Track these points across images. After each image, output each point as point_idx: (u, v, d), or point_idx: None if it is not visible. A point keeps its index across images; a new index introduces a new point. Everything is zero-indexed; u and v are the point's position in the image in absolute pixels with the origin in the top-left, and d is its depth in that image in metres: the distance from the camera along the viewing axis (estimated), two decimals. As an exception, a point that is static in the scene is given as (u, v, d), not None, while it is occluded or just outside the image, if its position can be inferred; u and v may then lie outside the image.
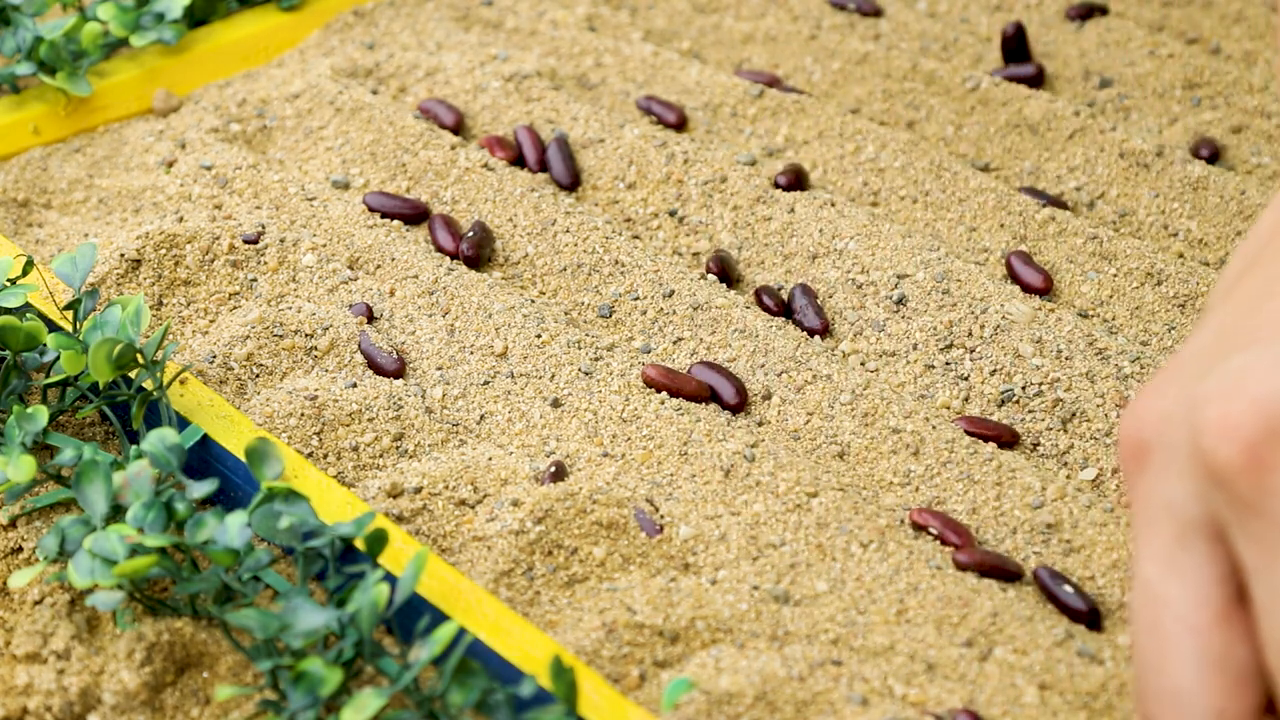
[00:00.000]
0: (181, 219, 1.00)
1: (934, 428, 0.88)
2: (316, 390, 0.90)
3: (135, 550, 0.78)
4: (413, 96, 1.11)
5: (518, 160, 1.07)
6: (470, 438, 0.90)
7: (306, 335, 0.94)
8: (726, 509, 0.85)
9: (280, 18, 1.17)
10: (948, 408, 0.91)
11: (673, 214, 1.03)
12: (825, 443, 0.89)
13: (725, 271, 0.99)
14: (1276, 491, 0.59)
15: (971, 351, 0.93)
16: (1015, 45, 1.14)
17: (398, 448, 0.89)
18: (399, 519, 0.84)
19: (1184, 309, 0.96)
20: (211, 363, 0.92)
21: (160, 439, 0.82)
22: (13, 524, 0.86)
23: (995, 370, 0.92)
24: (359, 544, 0.79)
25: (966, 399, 0.91)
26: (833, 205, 1.01)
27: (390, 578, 0.79)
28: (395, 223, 1.02)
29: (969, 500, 0.86)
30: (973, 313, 0.94)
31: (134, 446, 0.84)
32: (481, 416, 0.91)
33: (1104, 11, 1.18)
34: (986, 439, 0.89)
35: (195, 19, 1.16)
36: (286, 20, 1.17)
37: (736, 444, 0.87)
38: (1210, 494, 0.61)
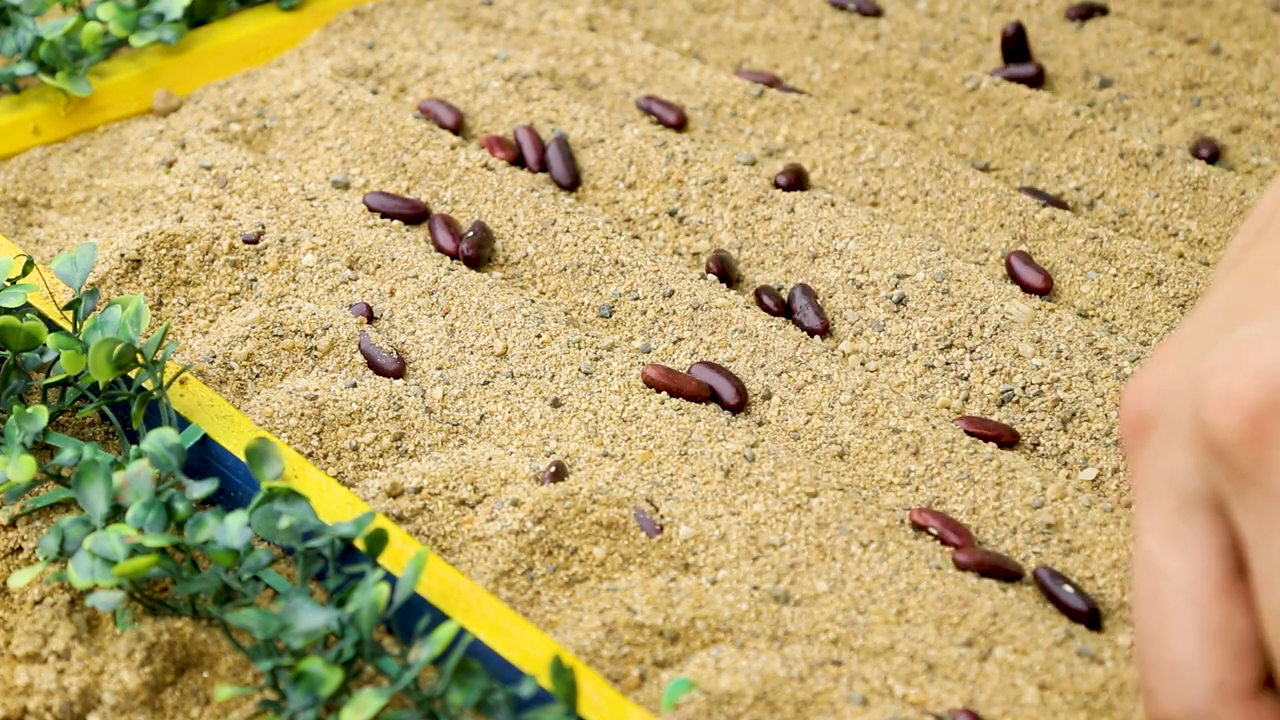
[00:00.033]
0: (181, 219, 1.00)
1: (934, 428, 0.88)
2: (316, 390, 0.90)
3: (135, 550, 0.78)
4: (413, 96, 1.12)
5: (518, 160, 1.07)
6: (470, 438, 0.90)
7: (306, 335, 0.94)
8: (726, 509, 0.85)
9: (280, 18, 1.17)
10: (948, 408, 0.91)
11: (673, 214, 1.03)
12: (825, 443, 0.89)
13: (725, 271, 0.99)
14: (1276, 463, 0.59)
15: (971, 351, 0.93)
16: (1015, 45, 1.14)
17: (398, 448, 0.89)
18: (399, 519, 0.84)
19: (1184, 309, 0.96)
20: (211, 363, 0.92)
21: (160, 439, 0.82)
22: (13, 524, 0.86)
23: (995, 370, 0.92)
24: (359, 544, 0.79)
25: (966, 399, 0.91)
26: (833, 205, 1.01)
27: (390, 578, 0.79)
28: (395, 223, 1.02)
29: (969, 500, 0.86)
30: (973, 313, 0.94)
31: (134, 446, 0.84)
32: (481, 416, 0.91)
33: (1104, 11, 1.18)
34: (986, 439, 0.89)
35: (195, 19, 1.16)
36: (286, 20, 1.17)
37: (736, 444, 0.87)
38: (1211, 466, 0.61)
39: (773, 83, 1.12)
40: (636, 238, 1.02)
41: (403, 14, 1.18)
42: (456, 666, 0.73)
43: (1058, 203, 1.03)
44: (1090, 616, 0.80)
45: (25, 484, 0.83)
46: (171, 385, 0.89)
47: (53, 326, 0.92)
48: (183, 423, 0.87)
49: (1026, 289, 0.97)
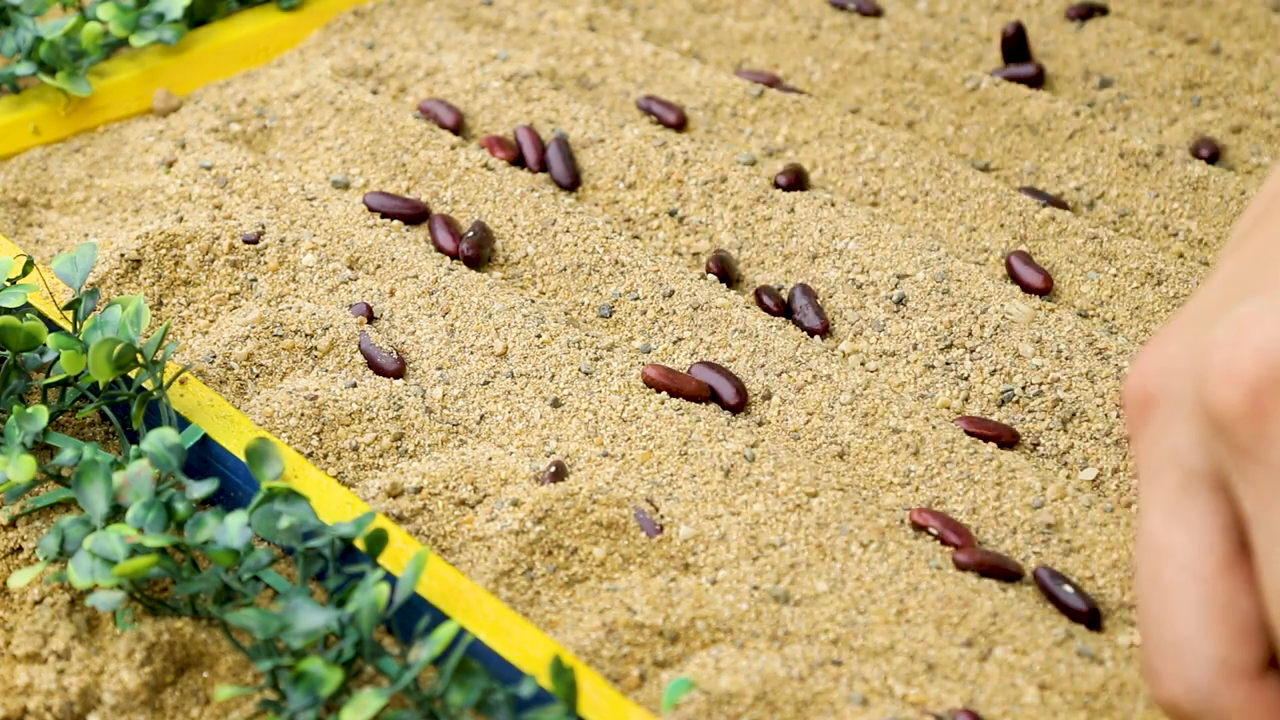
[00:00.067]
0: (181, 219, 1.00)
1: (934, 428, 0.88)
2: (316, 390, 0.90)
3: (135, 550, 0.78)
4: (413, 96, 1.12)
5: (518, 160, 1.07)
6: (470, 438, 0.90)
7: (306, 335, 0.94)
8: (726, 509, 0.85)
9: (280, 18, 1.17)
10: (948, 408, 0.91)
11: (673, 214, 1.03)
12: (825, 443, 0.89)
13: (725, 271, 0.99)
14: (1277, 438, 0.59)
15: (971, 351, 0.93)
16: (1015, 45, 1.14)
17: (398, 448, 0.89)
18: (399, 519, 0.84)
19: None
20: (211, 363, 0.92)
21: (160, 439, 0.82)
22: (13, 524, 0.86)
23: (995, 370, 0.92)
24: (359, 544, 0.79)
25: (966, 399, 0.91)
26: (833, 205, 1.01)
27: (390, 578, 0.79)
28: (395, 223, 1.02)
29: (969, 500, 0.86)
30: (973, 313, 0.94)
31: (134, 446, 0.84)
32: (481, 416, 0.91)
33: (1104, 11, 1.18)
34: (986, 439, 0.89)
35: (195, 19, 1.16)
36: (286, 20, 1.17)
37: (736, 444, 0.87)
38: (1213, 442, 0.61)
39: (773, 83, 1.12)
40: (636, 238, 1.02)
41: (403, 14, 1.18)
42: (456, 666, 0.73)
43: (1058, 203, 1.03)
44: (1090, 616, 0.80)
45: (25, 484, 0.83)
46: (171, 385, 0.89)
47: (53, 326, 0.92)
48: (183, 423, 0.87)
49: (1026, 289, 0.97)
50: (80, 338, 0.87)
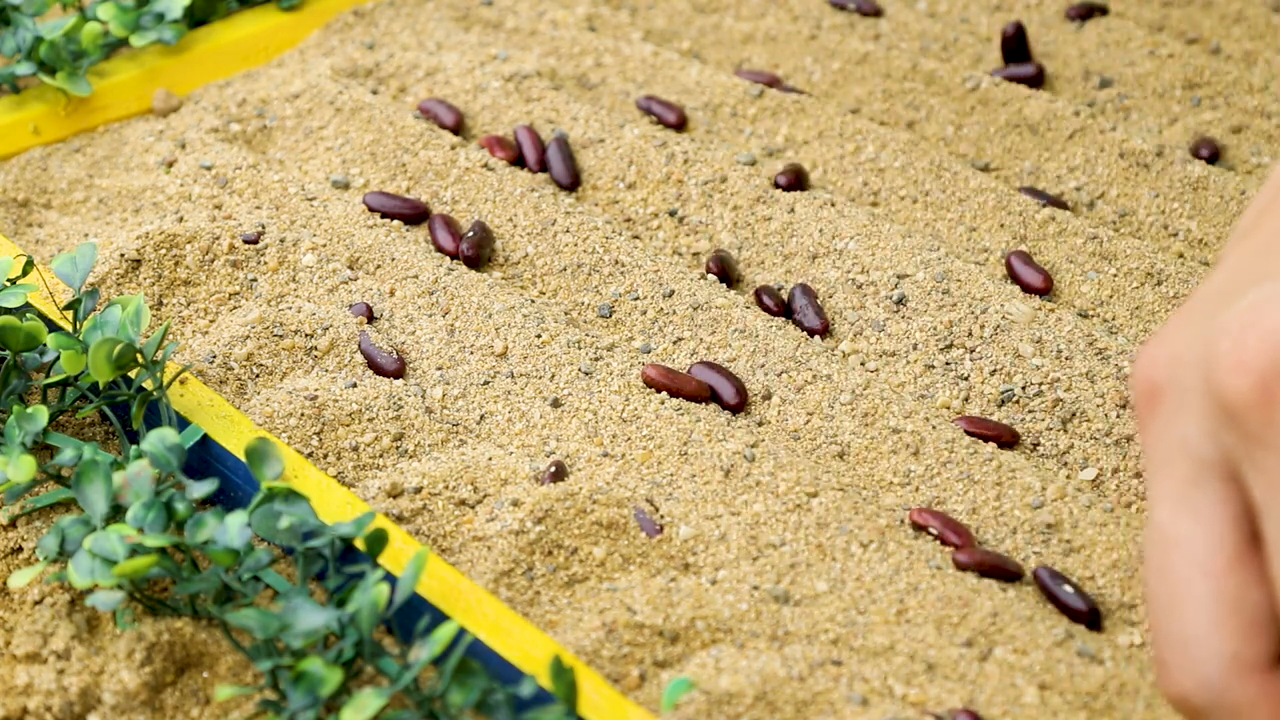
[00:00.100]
0: (181, 219, 1.00)
1: (934, 428, 0.88)
2: (316, 390, 0.90)
3: (135, 550, 0.78)
4: (413, 96, 1.12)
5: (518, 160, 1.07)
6: (470, 438, 0.90)
7: (306, 335, 0.94)
8: (726, 509, 0.85)
9: (280, 18, 1.17)
10: (948, 408, 0.91)
11: (673, 214, 1.03)
12: (825, 443, 0.89)
13: (725, 271, 0.99)
14: None
15: (971, 351, 0.93)
16: (1015, 45, 1.14)
17: (398, 448, 0.89)
18: (399, 519, 0.84)
19: (1184, 309, 0.96)
20: (211, 363, 0.92)
21: (160, 439, 0.82)
22: (13, 524, 0.86)
23: (995, 370, 0.92)
24: (359, 544, 0.79)
25: (966, 399, 0.91)
26: (833, 205, 1.01)
27: (390, 578, 0.79)
28: (395, 223, 1.02)
29: (969, 500, 0.86)
30: (973, 313, 0.94)
31: (134, 446, 0.84)
32: (481, 416, 0.91)
33: (1104, 11, 1.18)
34: (986, 439, 0.89)
35: (195, 19, 1.16)
36: (286, 20, 1.17)
37: (736, 444, 0.87)
38: (1222, 431, 0.60)
39: (773, 83, 1.12)
40: (636, 238, 1.02)
41: (403, 14, 1.18)
42: (456, 666, 0.73)
43: (1058, 203, 1.03)
44: (1090, 616, 0.80)
45: (25, 484, 0.83)
46: (171, 385, 0.89)
47: (53, 326, 0.92)
48: (183, 423, 0.87)
49: (1026, 289, 0.97)
50: (80, 338, 0.87)
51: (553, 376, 0.92)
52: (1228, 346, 0.59)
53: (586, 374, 0.92)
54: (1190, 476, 0.61)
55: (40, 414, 0.85)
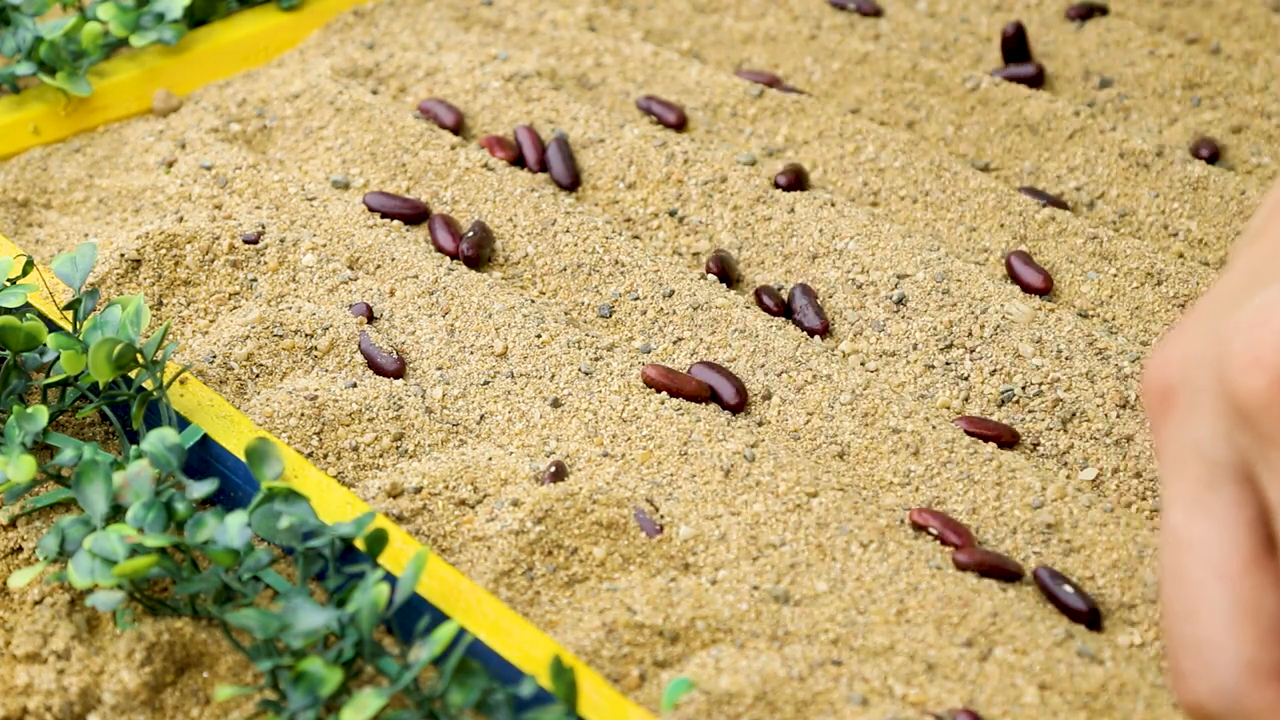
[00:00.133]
0: (181, 219, 1.00)
1: (934, 428, 0.88)
2: (316, 390, 0.90)
3: (135, 550, 0.78)
4: (413, 96, 1.12)
5: (518, 160, 1.07)
6: (470, 438, 0.90)
7: (306, 335, 0.94)
8: (726, 509, 0.85)
9: (280, 18, 1.17)
10: (948, 408, 0.91)
11: (673, 214, 1.03)
12: (825, 443, 0.89)
13: (725, 271, 0.99)
14: None
15: (971, 351, 0.93)
16: (1015, 45, 1.14)
17: (398, 448, 0.89)
18: (399, 519, 0.84)
19: (1184, 309, 0.96)
20: (211, 363, 0.92)
21: (160, 439, 0.82)
22: (13, 524, 0.86)
23: (995, 370, 0.92)
24: (359, 544, 0.79)
25: (966, 399, 0.91)
26: (833, 205, 1.01)
27: (390, 578, 0.79)
28: (395, 223, 1.02)
29: (969, 500, 0.86)
30: (973, 313, 0.94)
31: (134, 446, 0.84)
32: (481, 416, 0.91)
33: (1104, 11, 1.18)
34: (986, 439, 0.89)
35: (195, 19, 1.16)
36: (286, 20, 1.17)
37: (736, 444, 0.87)
38: (1237, 432, 0.59)
39: (773, 83, 1.12)
40: (636, 238, 1.02)
41: (403, 14, 1.18)
42: (456, 666, 0.73)
43: (1058, 203, 1.03)
44: (1090, 616, 0.80)
45: (25, 484, 0.83)
46: (171, 385, 0.89)
47: (53, 326, 0.92)
48: (183, 423, 0.87)
49: (1026, 289, 0.97)
50: (80, 338, 0.87)
51: (553, 376, 0.92)
52: (1240, 346, 0.58)
53: (586, 374, 0.92)
54: (1204, 479, 0.60)
55: (40, 414, 0.85)
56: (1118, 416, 0.89)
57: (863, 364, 0.94)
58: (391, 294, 0.97)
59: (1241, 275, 0.63)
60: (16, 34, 1.10)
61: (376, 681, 0.78)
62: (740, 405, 0.91)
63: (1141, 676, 0.78)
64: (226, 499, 0.86)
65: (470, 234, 1.00)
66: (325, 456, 0.88)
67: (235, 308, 0.96)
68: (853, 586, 0.81)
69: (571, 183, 1.05)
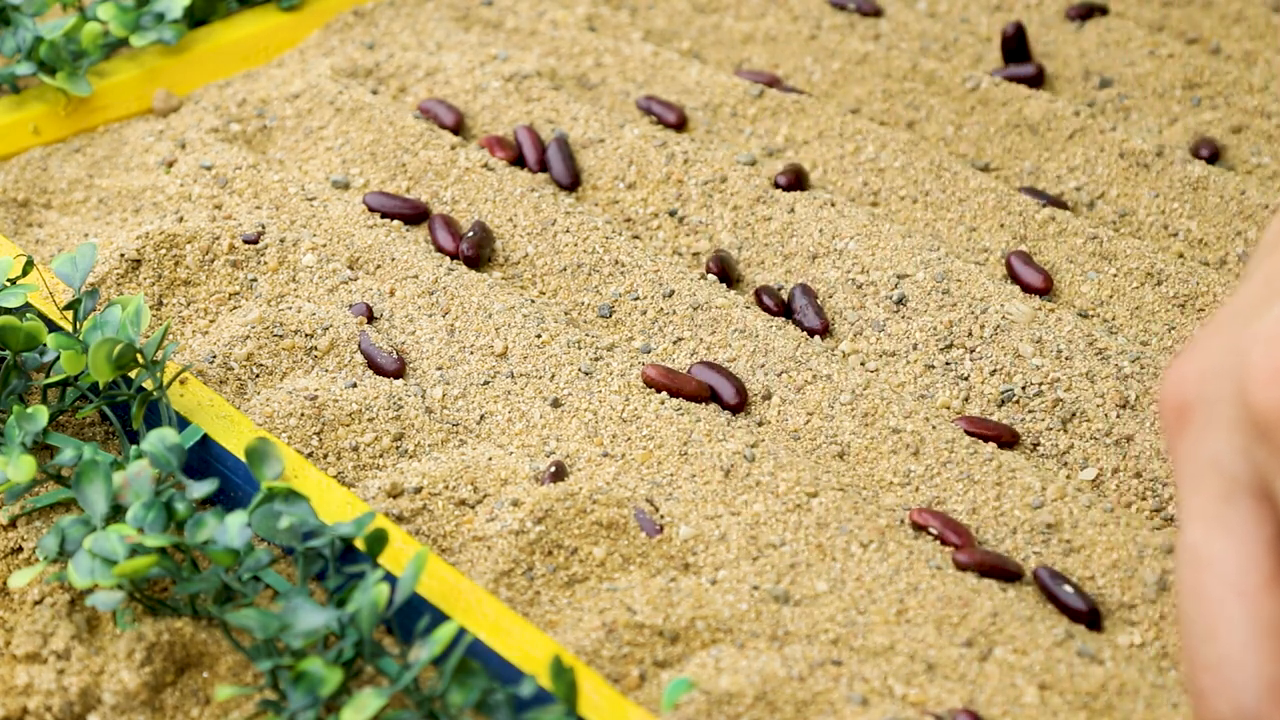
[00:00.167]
0: (181, 219, 1.00)
1: (934, 428, 0.88)
2: (316, 390, 0.90)
3: (135, 550, 0.78)
4: (413, 96, 1.12)
5: (518, 160, 1.07)
6: (470, 438, 0.90)
7: (306, 335, 0.94)
8: (726, 509, 0.85)
9: (280, 18, 1.17)
10: (948, 408, 0.91)
11: (673, 214, 1.03)
12: (825, 443, 0.89)
13: (725, 271, 0.99)
14: None
15: (971, 351, 0.93)
16: (1015, 45, 1.14)
17: (398, 448, 0.89)
18: (399, 519, 0.84)
19: (1184, 309, 0.96)
20: (211, 363, 0.92)
21: (160, 439, 0.82)
22: (13, 524, 0.86)
23: (995, 370, 0.92)
24: (359, 544, 0.79)
25: (966, 399, 0.91)
26: (833, 205, 1.01)
27: (390, 578, 0.79)
28: (395, 223, 1.02)
29: (969, 500, 0.86)
30: (973, 313, 0.94)
31: (134, 446, 0.84)
32: (481, 416, 0.91)
33: (1104, 11, 1.18)
34: (986, 439, 0.89)
35: (195, 19, 1.16)
36: (286, 20, 1.17)
37: (736, 444, 0.87)
38: (1255, 447, 0.58)
39: (773, 83, 1.12)
40: (636, 238, 1.02)
41: (403, 14, 1.18)
42: (456, 666, 0.73)
43: (1058, 203, 1.03)
44: (1090, 616, 0.80)
45: (25, 484, 0.83)
46: (171, 385, 0.89)
47: (53, 326, 0.92)
48: (183, 423, 0.87)
49: (1026, 289, 0.97)
50: (80, 338, 0.87)
51: (553, 376, 0.92)
52: (1259, 359, 0.58)
53: (586, 374, 0.92)
54: (1222, 494, 0.59)
55: (40, 414, 0.85)
56: (1118, 416, 0.89)
57: (863, 364, 0.94)
58: (391, 294, 0.97)
59: (1259, 286, 0.62)
60: (16, 34, 1.10)
61: (376, 681, 0.78)
62: (740, 405, 0.91)
63: (1141, 676, 0.78)
64: (226, 499, 0.86)
65: (470, 234, 1.00)
66: (325, 456, 0.88)
67: (235, 308, 0.96)
68: (853, 586, 0.81)
69: (571, 183, 1.05)
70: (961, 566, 0.82)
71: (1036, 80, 1.12)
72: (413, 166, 1.05)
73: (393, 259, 0.98)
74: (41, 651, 0.80)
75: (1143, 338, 0.95)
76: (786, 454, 0.87)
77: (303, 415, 0.89)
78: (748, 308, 0.96)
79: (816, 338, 0.95)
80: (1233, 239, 1.01)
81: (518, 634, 0.77)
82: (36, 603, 0.82)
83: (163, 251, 0.97)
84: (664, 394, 0.91)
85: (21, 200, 1.05)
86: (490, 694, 0.73)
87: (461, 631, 0.76)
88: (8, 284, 0.91)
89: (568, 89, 1.12)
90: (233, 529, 0.77)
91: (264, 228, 0.99)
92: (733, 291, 0.98)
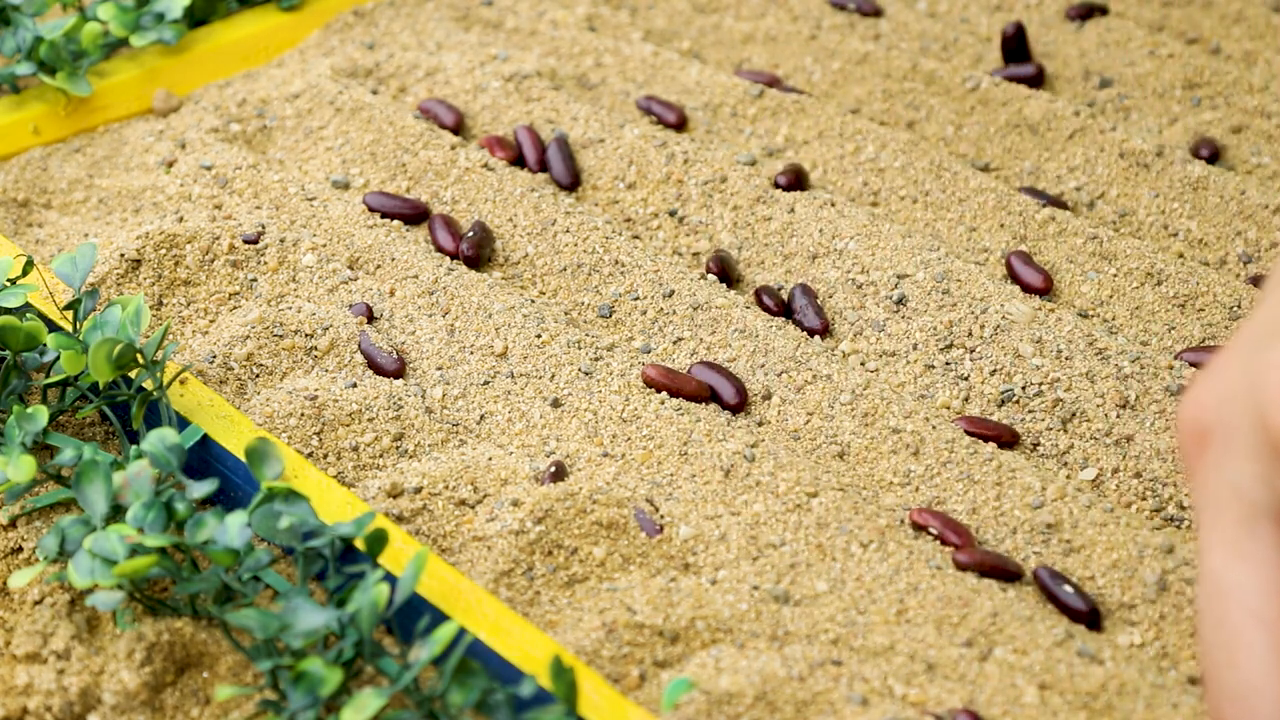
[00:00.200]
0: (181, 219, 1.00)
1: (934, 428, 0.88)
2: (316, 390, 0.90)
3: (135, 550, 0.78)
4: (413, 96, 1.11)
5: (518, 160, 1.07)
6: (470, 438, 0.90)
7: (306, 335, 0.94)
8: (726, 509, 0.85)
9: (280, 18, 1.17)
10: (948, 408, 0.91)
11: (673, 214, 1.03)
12: (825, 443, 0.89)
13: (725, 271, 0.99)
14: None
15: (971, 351, 0.93)
16: (1015, 45, 1.14)
17: (398, 448, 0.89)
18: (399, 519, 0.84)
19: (1184, 309, 0.96)
20: (211, 363, 0.92)
21: (160, 439, 0.82)
22: (13, 524, 0.86)
23: (995, 370, 0.92)
24: (359, 544, 0.79)
25: (966, 399, 0.91)
26: (833, 205, 1.01)
27: (390, 578, 0.79)
28: (395, 223, 1.02)
29: (969, 500, 0.86)
30: (973, 313, 0.94)
31: (134, 446, 0.84)
32: (481, 416, 0.91)
33: (1104, 11, 1.18)
34: (986, 439, 0.89)
35: (195, 19, 1.16)
36: (286, 20, 1.17)
37: (736, 444, 0.87)
38: (1275, 474, 0.58)
39: (773, 83, 1.12)
40: (636, 238, 1.02)
41: (403, 14, 1.18)
42: (456, 666, 0.73)
43: (1058, 203, 1.03)
44: (1090, 616, 0.80)
45: (25, 484, 0.83)
46: (171, 385, 0.89)
47: (53, 326, 0.92)
48: (183, 423, 0.87)
49: (1026, 289, 0.97)
50: (80, 338, 0.87)
51: (553, 376, 0.92)
52: (1277, 384, 0.57)
53: (586, 374, 0.92)
54: (1242, 521, 0.59)
55: (40, 414, 0.85)
56: (1117, 416, 0.89)
57: (863, 364, 0.94)
58: (391, 294, 0.97)
59: (1272, 314, 0.61)
60: (16, 34, 1.10)
61: (376, 681, 0.78)
62: (740, 405, 0.91)
63: (1141, 676, 0.78)
64: (226, 499, 0.86)
65: (470, 234, 1.00)
66: (325, 456, 0.88)
67: (235, 308, 0.96)
68: (853, 586, 0.81)
69: (571, 183, 1.05)
70: (961, 566, 0.82)
71: (1036, 80, 1.12)
72: (413, 166, 1.05)
73: (393, 259, 0.98)
74: (41, 651, 0.80)
75: (1143, 338, 0.95)
76: (786, 454, 0.87)
77: (303, 415, 0.89)
78: (748, 308, 0.96)
79: (816, 338, 0.95)
80: (1233, 239, 1.01)
81: (518, 634, 0.77)
82: (36, 603, 0.82)
83: (163, 251, 0.97)
84: (664, 394, 0.91)
85: (21, 200, 1.05)
86: (490, 694, 0.73)
87: (461, 631, 0.76)
88: (8, 284, 0.91)
89: (568, 89, 1.12)
90: (233, 529, 0.77)
91: (264, 228, 0.99)
92: (733, 291, 0.98)
